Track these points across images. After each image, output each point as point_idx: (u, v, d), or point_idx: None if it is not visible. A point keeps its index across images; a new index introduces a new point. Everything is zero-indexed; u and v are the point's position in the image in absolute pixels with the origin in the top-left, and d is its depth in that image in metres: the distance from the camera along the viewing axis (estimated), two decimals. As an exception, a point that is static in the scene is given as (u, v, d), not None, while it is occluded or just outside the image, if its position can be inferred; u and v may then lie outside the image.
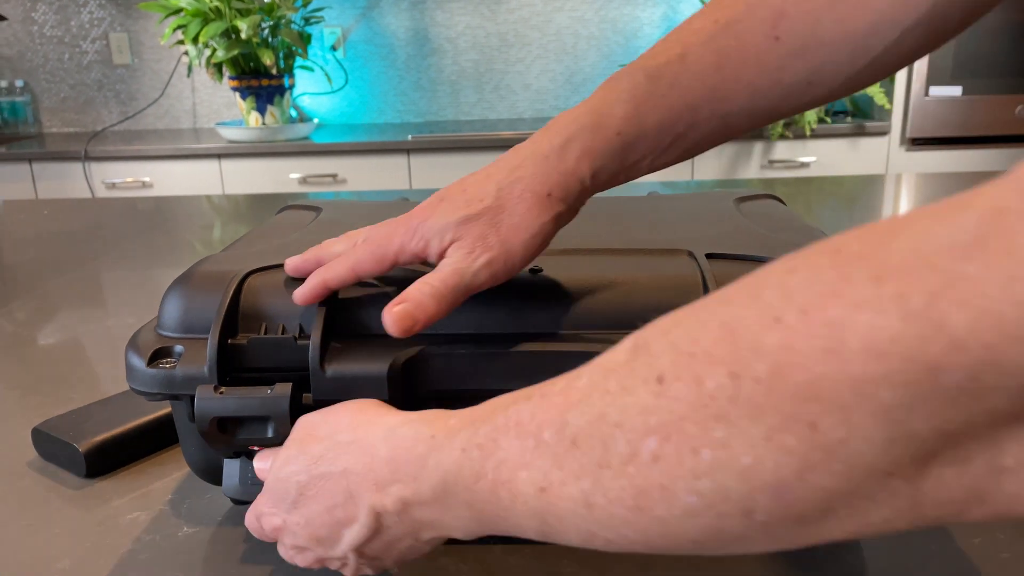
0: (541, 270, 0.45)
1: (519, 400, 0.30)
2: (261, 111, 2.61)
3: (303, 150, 2.56)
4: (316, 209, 0.63)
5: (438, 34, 3.03)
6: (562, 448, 0.27)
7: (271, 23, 2.48)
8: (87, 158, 2.60)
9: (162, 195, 2.65)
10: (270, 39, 2.52)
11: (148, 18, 3.07)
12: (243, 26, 2.31)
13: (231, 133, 2.61)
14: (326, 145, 2.56)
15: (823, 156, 2.51)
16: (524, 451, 0.28)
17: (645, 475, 0.24)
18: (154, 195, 2.65)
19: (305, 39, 2.58)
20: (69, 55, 3.13)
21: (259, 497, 0.39)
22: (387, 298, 0.44)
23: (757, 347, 0.22)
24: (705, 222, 0.55)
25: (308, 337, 0.42)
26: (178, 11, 2.41)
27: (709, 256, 0.45)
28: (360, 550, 0.36)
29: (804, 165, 2.51)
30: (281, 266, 0.47)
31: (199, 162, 2.59)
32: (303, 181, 2.59)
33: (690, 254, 0.46)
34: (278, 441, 0.40)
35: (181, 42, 2.46)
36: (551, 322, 0.43)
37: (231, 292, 0.44)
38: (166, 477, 0.53)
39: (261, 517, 0.38)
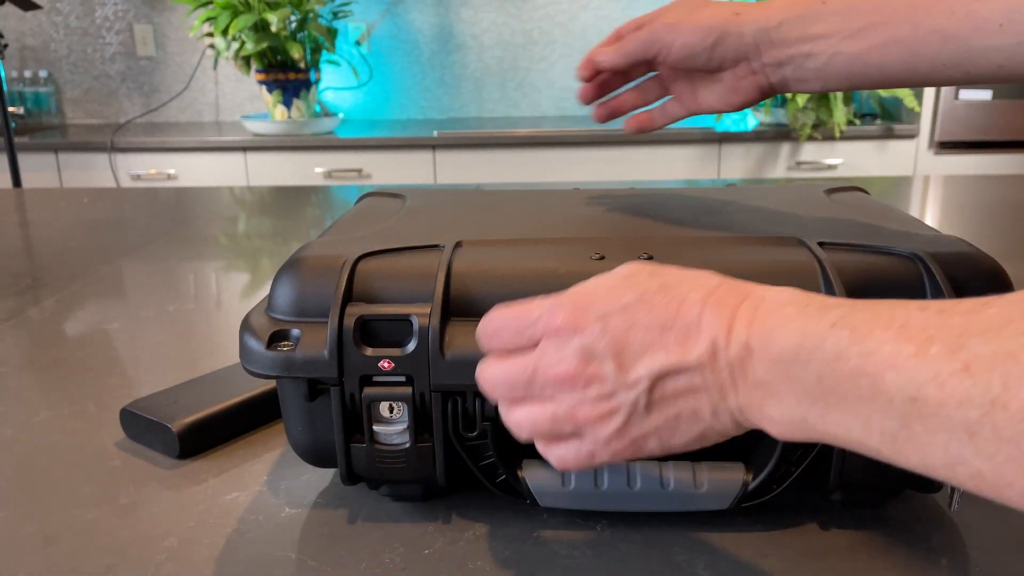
0: (652, 257, 0.45)
1: (909, 307, 0.28)
2: (287, 105, 2.61)
3: (328, 144, 2.56)
4: (399, 196, 0.63)
5: (463, 31, 3.03)
6: (949, 369, 0.25)
7: (299, 17, 2.49)
8: (113, 149, 2.60)
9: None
10: (297, 33, 2.52)
11: (172, 10, 3.07)
12: (273, 19, 2.31)
13: (257, 126, 2.61)
14: (352, 140, 2.56)
15: (851, 158, 2.50)
16: (899, 354, 0.26)
17: None
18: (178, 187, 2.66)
19: (332, 33, 2.58)
20: (93, 47, 3.14)
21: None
22: (500, 277, 0.44)
23: None
24: (803, 212, 0.54)
25: (427, 318, 0.42)
26: (208, 3, 2.41)
27: (822, 245, 0.45)
28: (654, 387, 0.32)
29: (831, 167, 2.50)
30: (390, 251, 0.46)
31: (224, 155, 2.60)
32: (328, 175, 2.59)
33: (801, 242, 0.46)
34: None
35: (210, 34, 2.47)
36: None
37: (345, 276, 0.44)
38: (258, 458, 0.53)
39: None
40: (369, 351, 0.42)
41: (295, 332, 0.43)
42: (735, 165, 2.53)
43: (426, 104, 3.11)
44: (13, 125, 2.06)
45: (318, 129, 2.64)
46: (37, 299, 0.88)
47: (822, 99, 2.37)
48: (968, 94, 2.38)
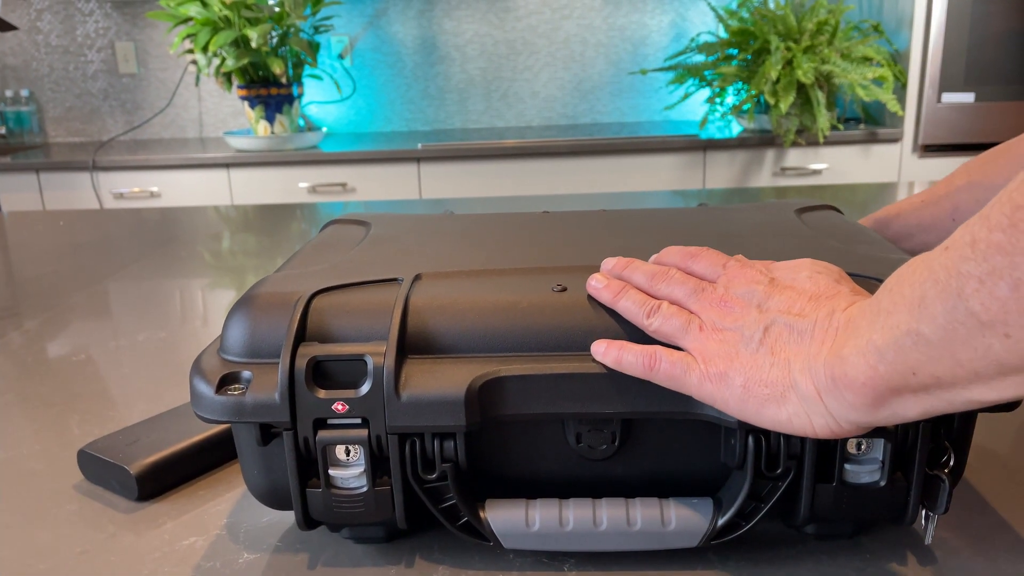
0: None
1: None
2: (270, 120, 2.60)
3: (312, 159, 2.55)
4: (364, 224, 0.61)
5: (446, 42, 3.03)
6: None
7: (280, 32, 2.48)
8: (95, 168, 2.58)
9: (171, 205, 2.64)
10: (279, 48, 2.51)
11: (154, 27, 3.06)
12: (253, 35, 2.30)
13: (240, 142, 2.60)
14: (336, 154, 2.55)
15: (835, 163, 2.50)
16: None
17: None
18: (163, 205, 2.64)
19: (314, 47, 2.57)
20: (74, 64, 3.12)
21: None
22: (458, 312, 0.43)
23: None
24: (774, 236, 0.53)
25: (382, 357, 0.40)
26: (187, 20, 2.40)
27: (788, 273, 0.44)
28: (768, 302, 0.39)
29: (816, 172, 2.50)
30: (345, 286, 0.45)
31: (207, 171, 2.58)
32: (312, 190, 2.58)
33: (767, 270, 0.45)
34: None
35: (190, 51, 2.45)
36: (630, 343, 0.42)
37: (298, 315, 0.42)
38: (219, 498, 0.52)
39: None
40: (322, 393, 0.40)
41: (246, 374, 0.42)
42: (720, 172, 2.52)
43: (410, 116, 3.10)
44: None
45: (302, 144, 2.63)
46: (5, 330, 0.86)
47: (805, 104, 2.37)
48: (951, 97, 2.38)
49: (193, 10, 2.36)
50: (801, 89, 2.34)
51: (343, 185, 2.58)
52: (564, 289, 0.44)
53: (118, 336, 0.83)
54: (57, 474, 0.56)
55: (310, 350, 0.41)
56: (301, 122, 2.85)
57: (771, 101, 2.31)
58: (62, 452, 0.59)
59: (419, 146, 2.56)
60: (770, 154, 2.50)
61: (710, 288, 0.42)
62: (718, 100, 2.53)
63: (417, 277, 0.47)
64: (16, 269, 1.13)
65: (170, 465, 0.53)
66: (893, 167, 2.51)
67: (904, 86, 2.43)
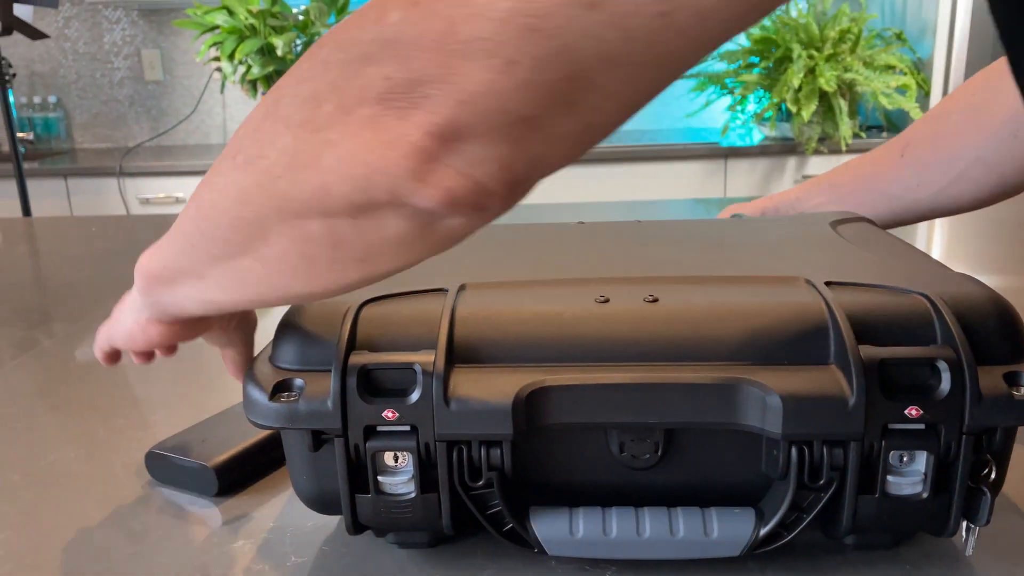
0: (657, 300, 0.45)
1: None
2: (293, 127, 2.62)
3: (335, 165, 2.57)
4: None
5: (467, 49, 3.05)
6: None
7: (304, 40, 2.50)
8: (122, 174, 2.62)
9: (195, 210, 2.67)
10: (303, 55, 2.53)
11: (179, 35, 3.10)
12: (278, 43, 2.33)
13: (264, 149, 2.63)
14: (358, 160, 2.57)
15: (857, 171, 2.49)
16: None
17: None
18: (187, 210, 2.67)
19: (338, 55, 2.60)
20: (101, 71, 3.17)
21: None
22: (503, 323, 0.44)
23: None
24: (808, 247, 0.54)
25: (431, 368, 0.41)
26: (214, 28, 2.43)
27: (828, 284, 0.45)
28: None
29: (838, 180, 2.49)
30: (393, 295, 0.46)
31: (232, 177, 2.61)
32: (335, 196, 2.60)
33: (808, 282, 0.45)
34: None
35: (216, 59, 2.48)
36: (673, 354, 0.42)
37: (348, 325, 0.43)
38: (264, 504, 0.53)
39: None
40: (373, 401, 0.41)
41: (298, 382, 0.43)
42: (741, 180, 2.52)
43: (432, 123, 3.12)
44: (23, 151, 2.08)
45: (325, 150, 2.65)
46: (47, 334, 0.88)
47: (827, 112, 2.37)
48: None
49: (219, 19, 2.39)
50: (823, 97, 2.33)
51: (365, 191, 2.60)
52: (607, 300, 0.45)
53: (156, 341, 0.85)
54: (106, 477, 0.57)
55: (361, 359, 0.42)
56: (324, 129, 2.87)
57: (793, 109, 2.30)
58: (110, 455, 0.60)
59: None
60: (792, 162, 2.50)
61: None
62: (739, 108, 2.54)
63: (462, 287, 0.47)
64: (47, 275, 1.16)
65: (245, 459, 0.56)
66: (916, 175, 2.50)
67: (927, 94, 2.43)
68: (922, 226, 1.28)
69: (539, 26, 0.24)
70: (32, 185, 2.64)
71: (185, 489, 0.55)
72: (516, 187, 0.28)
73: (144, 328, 0.47)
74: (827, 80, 2.25)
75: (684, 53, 0.26)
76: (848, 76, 2.30)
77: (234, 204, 0.33)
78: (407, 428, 0.42)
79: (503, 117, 0.26)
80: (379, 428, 0.42)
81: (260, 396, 0.42)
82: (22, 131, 3.12)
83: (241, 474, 0.56)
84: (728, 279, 0.48)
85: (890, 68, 2.37)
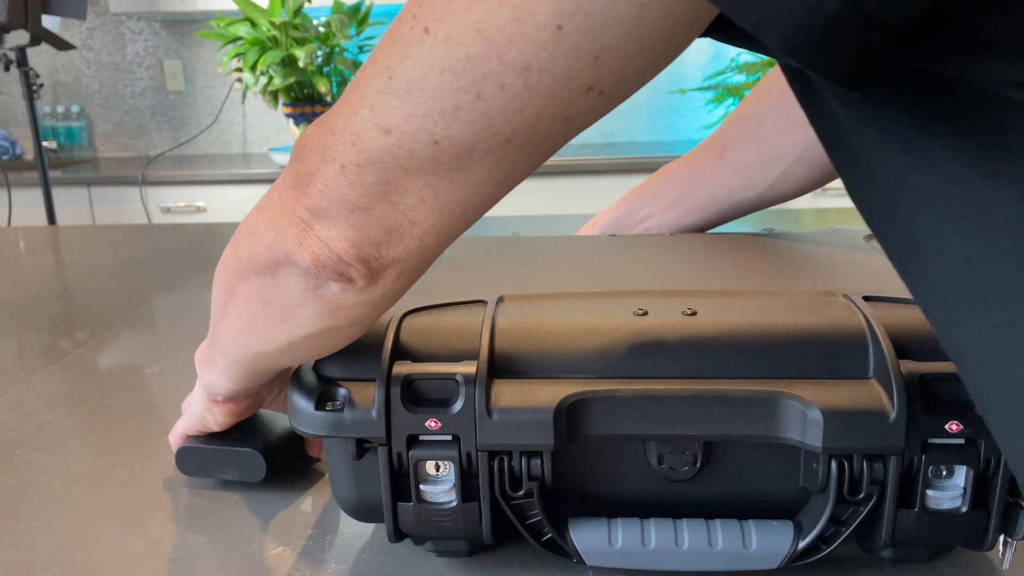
0: (696, 313, 0.45)
1: None
2: (313, 137, 2.64)
3: (354, 175, 2.59)
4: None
5: (485, 61, 3.07)
6: None
7: (326, 51, 2.53)
8: (144, 183, 2.65)
9: (216, 220, 2.69)
10: (324, 67, 2.56)
11: (201, 46, 3.13)
12: (300, 55, 2.35)
13: (284, 159, 2.65)
14: (377, 171, 2.59)
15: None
16: None
17: None
18: (208, 219, 2.69)
19: (358, 67, 2.62)
20: (124, 82, 3.21)
21: None
22: (543, 335, 0.44)
23: None
24: (844, 262, 0.54)
25: (473, 378, 0.42)
26: (236, 40, 2.46)
27: (867, 299, 0.45)
28: None
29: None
30: (434, 307, 0.47)
31: (252, 187, 2.63)
32: (354, 206, 2.62)
33: (846, 296, 0.46)
34: None
35: (239, 69, 2.51)
36: (712, 367, 0.43)
37: (391, 335, 0.44)
38: (302, 514, 0.54)
39: None
40: (416, 411, 0.42)
41: (342, 391, 0.43)
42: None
43: (450, 134, 3.14)
44: (46, 159, 2.11)
45: (344, 161, 2.67)
46: (76, 343, 0.89)
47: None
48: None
49: (242, 30, 2.42)
50: (843, 110, 2.33)
51: (384, 201, 2.62)
52: (645, 313, 0.46)
53: (185, 350, 0.86)
54: (144, 483, 0.58)
55: (404, 369, 0.43)
56: (343, 139, 2.89)
57: (812, 122, 2.30)
58: (146, 461, 0.61)
59: (459, 164, 2.59)
60: (810, 174, 2.50)
61: None
62: (758, 120, 2.54)
63: (500, 299, 0.48)
64: (74, 284, 1.17)
65: (286, 443, 0.57)
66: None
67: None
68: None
69: (355, 142, 0.33)
70: (56, 193, 2.67)
71: (227, 476, 0.56)
72: (371, 264, 0.35)
73: (209, 410, 0.54)
74: (846, 93, 2.25)
75: (455, 173, 0.33)
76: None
77: (221, 270, 0.42)
78: (449, 438, 0.42)
79: (344, 205, 0.34)
80: (422, 437, 0.43)
81: (306, 405, 0.43)
82: (45, 140, 3.16)
83: (285, 456, 0.57)
84: (766, 293, 0.48)
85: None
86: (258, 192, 2.63)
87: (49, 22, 1.92)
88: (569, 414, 0.42)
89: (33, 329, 0.94)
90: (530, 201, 2.59)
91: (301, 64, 2.38)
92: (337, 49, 2.54)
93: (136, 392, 0.75)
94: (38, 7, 1.82)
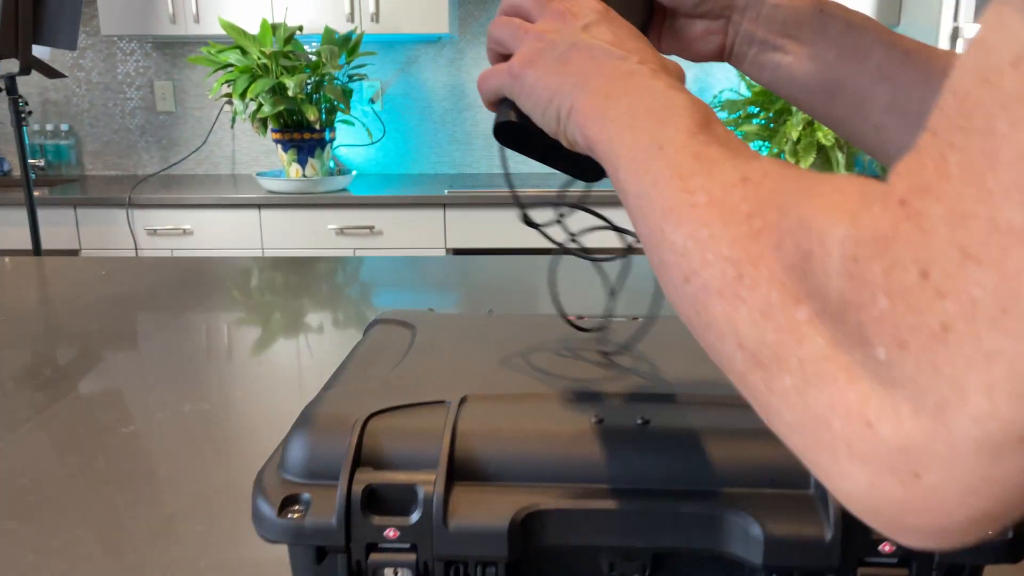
0: (649, 422, 0.47)
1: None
2: (302, 163, 2.66)
3: (341, 202, 2.61)
4: (410, 326, 0.65)
5: (473, 89, 3.09)
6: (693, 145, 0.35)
7: (316, 80, 2.55)
8: (131, 205, 2.66)
9: (203, 244, 2.70)
10: (313, 95, 2.58)
11: (192, 67, 3.15)
12: (290, 84, 2.37)
13: (271, 184, 2.66)
14: (364, 198, 2.60)
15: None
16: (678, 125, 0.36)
17: None
18: (195, 243, 2.70)
19: (347, 95, 2.64)
20: (114, 101, 3.22)
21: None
22: (503, 441, 0.46)
23: None
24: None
25: (431, 487, 0.44)
26: (227, 66, 2.48)
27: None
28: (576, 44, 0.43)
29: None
30: (398, 408, 0.49)
31: (239, 211, 2.65)
32: (340, 232, 2.63)
33: (792, 409, 0.48)
34: None
35: (228, 95, 2.53)
36: (662, 477, 0.45)
37: (354, 441, 0.46)
38: (267, 596, 0.55)
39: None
40: (376, 519, 0.44)
41: (305, 496, 0.45)
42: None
43: (438, 159, 3.16)
44: (33, 176, 2.11)
45: (331, 187, 2.69)
46: (55, 395, 0.90)
47: (825, 164, 2.40)
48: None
49: (233, 57, 2.44)
50: (821, 150, 2.37)
51: (371, 228, 2.63)
52: (602, 420, 0.47)
53: (163, 406, 0.87)
54: (114, 562, 0.59)
55: (366, 476, 0.44)
56: (332, 164, 2.91)
57: (791, 161, 2.34)
58: (121, 536, 0.62)
59: (445, 192, 2.61)
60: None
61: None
62: (742, 156, 2.58)
63: (463, 400, 0.50)
64: (57, 325, 1.18)
65: None
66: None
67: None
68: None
69: None
70: (42, 214, 2.68)
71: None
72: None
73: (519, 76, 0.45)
74: (825, 134, 2.29)
75: None
76: (849, 129, 2.34)
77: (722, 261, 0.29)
78: (408, 545, 0.44)
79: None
80: (381, 544, 0.44)
81: (269, 511, 0.44)
82: (33, 157, 3.16)
83: None
84: (717, 401, 0.50)
85: (890, 122, 2.41)
86: (245, 216, 2.64)
87: (40, 51, 1.93)
88: (524, 526, 0.44)
89: (12, 378, 0.95)
90: (518, 230, 2.61)
91: (291, 93, 2.40)
92: (327, 78, 2.56)
93: (112, 455, 0.76)
94: (29, 37, 1.83)
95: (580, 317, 0.69)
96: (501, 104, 0.48)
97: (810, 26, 0.56)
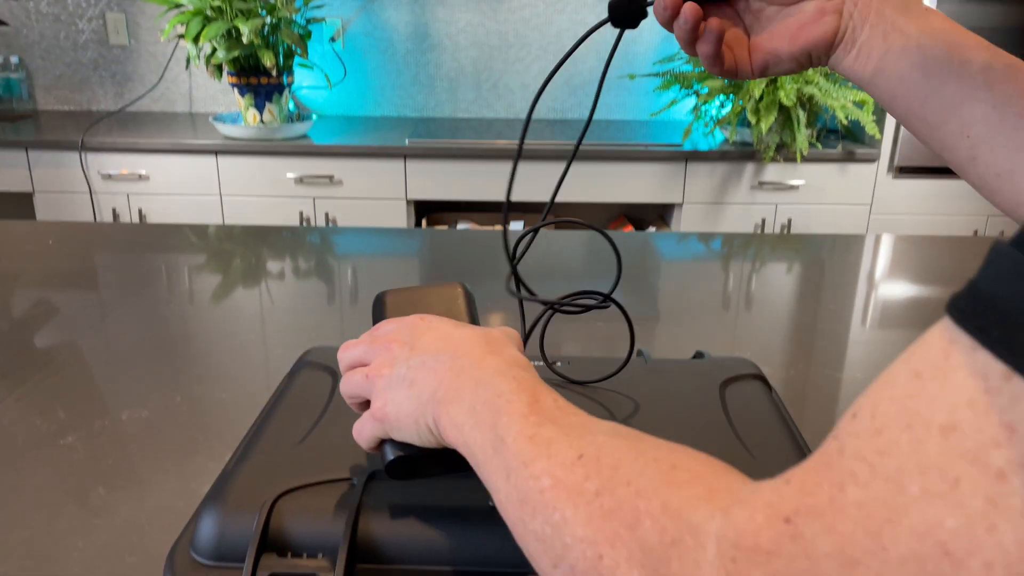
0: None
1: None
2: (259, 108, 2.61)
3: (300, 150, 2.58)
4: (333, 373, 0.67)
5: (438, 30, 3.03)
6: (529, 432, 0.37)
7: (272, 22, 2.48)
8: (84, 148, 2.60)
9: (159, 189, 2.67)
10: (270, 39, 2.51)
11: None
12: (245, 29, 2.31)
13: (229, 130, 2.62)
14: (324, 147, 2.58)
15: (812, 179, 2.55)
16: (520, 412, 0.39)
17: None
18: (151, 188, 2.67)
19: (305, 39, 2.58)
20: (65, 33, 3.11)
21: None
22: (404, 524, 0.49)
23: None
24: (687, 421, 0.60)
25: (331, 573, 0.47)
26: (179, 6, 2.40)
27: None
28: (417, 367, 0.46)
29: (793, 187, 2.55)
30: (305, 486, 0.52)
31: (196, 157, 2.61)
32: (299, 181, 2.61)
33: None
34: None
35: (181, 36, 2.46)
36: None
37: (262, 521, 0.49)
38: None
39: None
40: (279, 606, 0.47)
41: (213, 581, 0.48)
42: (700, 183, 2.57)
43: (400, 102, 3.11)
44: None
45: (290, 134, 2.65)
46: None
47: (786, 122, 2.41)
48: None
49: (185, -1, 2.36)
50: (783, 108, 2.38)
51: (330, 177, 2.61)
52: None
53: (103, 414, 0.89)
54: (48, 597, 0.62)
55: (270, 563, 0.48)
56: (292, 105, 2.86)
57: (753, 120, 2.35)
58: (52, 567, 0.65)
59: (406, 142, 2.59)
60: (750, 167, 2.55)
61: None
62: (703, 109, 2.57)
63: (371, 476, 0.53)
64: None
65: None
66: (868, 186, 2.56)
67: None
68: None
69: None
70: (-8, 156, 2.62)
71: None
72: None
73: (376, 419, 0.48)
74: (787, 93, 2.29)
75: None
76: (808, 89, 2.34)
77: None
78: (309, 628, 0.48)
79: None
80: (284, 626, 0.48)
81: (178, 598, 0.48)
82: (-18, 91, 3.07)
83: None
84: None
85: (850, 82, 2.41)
86: (202, 162, 2.61)
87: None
88: (417, 610, 0.47)
89: (-46, 379, 0.96)
90: (480, 184, 2.61)
91: (245, 40, 2.34)
92: (283, 21, 2.50)
93: (50, 469, 0.78)
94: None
95: (554, 363, 0.70)
96: (382, 447, 0.49)
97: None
